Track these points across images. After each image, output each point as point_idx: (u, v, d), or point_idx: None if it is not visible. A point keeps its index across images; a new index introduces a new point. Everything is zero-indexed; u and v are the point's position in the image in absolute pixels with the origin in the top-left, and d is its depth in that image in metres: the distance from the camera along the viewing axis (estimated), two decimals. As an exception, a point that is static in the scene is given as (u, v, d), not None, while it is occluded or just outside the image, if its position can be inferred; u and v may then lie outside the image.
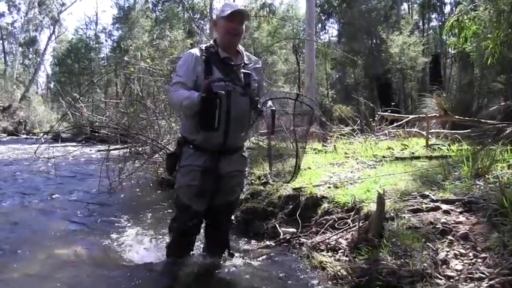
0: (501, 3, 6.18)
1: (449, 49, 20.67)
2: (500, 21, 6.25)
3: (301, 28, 22.34)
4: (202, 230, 2.69)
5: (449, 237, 2.14)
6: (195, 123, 2.23)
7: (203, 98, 2.11)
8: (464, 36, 6.99)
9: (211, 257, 2.63)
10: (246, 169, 2.59)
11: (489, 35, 6.57)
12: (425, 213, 2.45)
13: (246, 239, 3.17)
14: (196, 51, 2.36)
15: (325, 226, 2.80)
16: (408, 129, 7.03)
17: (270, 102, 2.33)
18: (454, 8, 20.13)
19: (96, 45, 34.91)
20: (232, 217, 2.68)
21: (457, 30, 6.98)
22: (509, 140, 4.44)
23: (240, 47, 2.45)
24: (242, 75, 2.33)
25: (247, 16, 2.38)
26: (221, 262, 2.60)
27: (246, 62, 2.42)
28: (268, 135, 2.41)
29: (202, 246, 2.74)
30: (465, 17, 6.78)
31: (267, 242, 2.99)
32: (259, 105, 2.26)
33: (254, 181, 4.05)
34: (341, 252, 2.43)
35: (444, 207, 2.48)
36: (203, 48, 2.36)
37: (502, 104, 8.98)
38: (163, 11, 27.77)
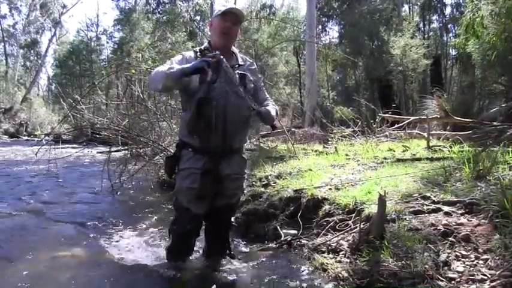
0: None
1: (451, 51, 20.72)
2: (509, 16, 6.22)
3: (302, 30, 22.37)
4: (202, 233, 2.69)
5: (451, 238, 2.13)
6: (192, 126, 2.24)
7: (199, 100, 2.13)
8: (476, 34, 6.98)
9: (211, 259, 2.62)
10: (246, 171, 2.59)
11: (494, 31, 6.56)
12: (426, 214, 2.45)
13: (246, 241, 3.16)
14: (190, 53, 2.39)
15: (326, 228, 2.80)
16: (409, 131, 7.03)
17: (270, 105, 2.34)
18: (455, 10, 20.20)
19: (97, 47, 35.02)
20: (232, 219, 2.68)
21: (472, 26, 6.96)
22: (510, 142, 4.43)
23: (234, 49, 2.47)
24: (237, 76, 2.33)
25: (241, 17, 2.37)
26: (222, 264, 2.59)
27: (241, 63, 2.43)
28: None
29: (202, 248, 2.74)
30: (476, 15, 6.78)
31: (268, 244, 2.99)
32: (254, 106, 2.27)
33: (255, 183, 4.05)
34: (342, 254, 2.42)
35: (445, 208, 2.47)
36: (197, 50, 2.38)
37: (503, 105, 8.96)
38: (164, 12, 27.82)
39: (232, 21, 2.33)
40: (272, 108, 2.38)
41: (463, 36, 7.81)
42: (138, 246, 3.10)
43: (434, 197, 2.68)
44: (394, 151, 5.11)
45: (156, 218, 4.00)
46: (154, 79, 2.19)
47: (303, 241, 2.82)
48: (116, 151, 5.97)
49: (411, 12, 23.30)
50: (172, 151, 3.13)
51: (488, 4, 6.71)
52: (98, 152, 9.37)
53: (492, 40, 6.67)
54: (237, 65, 2.39)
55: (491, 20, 6.91)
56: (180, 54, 2.43)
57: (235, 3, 21.47)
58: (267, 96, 2.57)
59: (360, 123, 6.87)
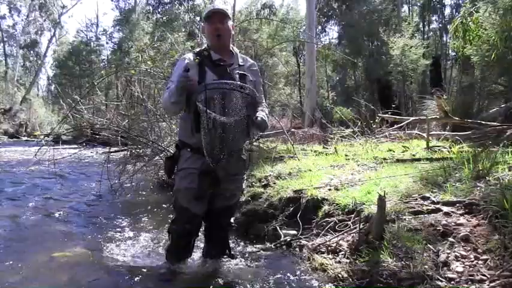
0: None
1: (450, 51, 20.75)
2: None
3: (302, 30, 22.36)
4: (202, 233, 2.69)
5: (450, 239, 2.13)
6: (191, 126, 2.24)
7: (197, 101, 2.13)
8: (469, 39, 6.97)
9: (211, 259, 2.62)
10: (245, 172, 2.58)
11: (495, 30, 6.53)
12: (426, 215, 2.45)
13: (246, 242, 3.16)
14: (189, 55, 2.41)
15: (326, 228, 2.80)
16: (409, 131, 7.03)
17: (261, 113, 2.32)
18: (454, 11, 20.26)
19: (97, 47, 35.03)
20: (232, 219, 2.68)
21: (461, 33, 6.96)
22: (510, 142, 4.44)
23: (235, 49, 2.47)
24: (237, 76, 2.33)
25: (226, 12, 2.36)
26: (221, 264, 2.59)
27: (241, 63, 2.43)
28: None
29: (202, 248, 2.73)
30: (469, 19, 6.76)
31: (268, 244, 2.99)
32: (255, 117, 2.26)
33: (255, 183, 4.05)
34: (342, 255, 2.42)
35: (445, 209, 2.47)
36: (196, 52, 2.39)
37: (502, 106, 8.96)
38: (164, 13, 27.83)
39: (219, 20, 2.33)
40: (264, 115, 2.34)
41: (461, 39, 7.82)
42: (138, 247, 3.10)
43: (434, 197, 2.68)
44: (394, 151, 5.11)
45: (155, 218, 4.00)
46: (166, 107, 2.40)
47: (302, 241, 2.82)
48: (115, 151, 5.97)
49: (411, 13, 23.35)
50: (172, 151, 3.14)
51: (487, 4, 6.71)
52: (97, 153, 9.36)
53: (492, 40, 6.65)
54: (236, 65, 2.39)
55: (491, 21, 6.90)
56: (182, 59, 2.43)
57: (234, 4, 21.47)
58: (262, 100, 2.55)
59: (359, 124, 6.87)
